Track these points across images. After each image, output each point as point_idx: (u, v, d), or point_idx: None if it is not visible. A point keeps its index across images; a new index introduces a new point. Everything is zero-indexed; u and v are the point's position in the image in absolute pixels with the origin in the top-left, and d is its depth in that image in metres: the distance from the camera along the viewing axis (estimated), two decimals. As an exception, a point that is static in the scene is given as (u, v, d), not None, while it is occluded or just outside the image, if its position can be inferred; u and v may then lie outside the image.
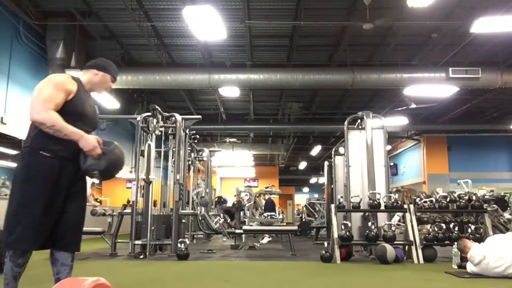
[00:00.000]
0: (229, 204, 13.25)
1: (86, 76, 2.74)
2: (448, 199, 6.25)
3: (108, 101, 9.41)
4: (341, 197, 6.82)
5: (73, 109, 2.47)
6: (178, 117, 6.88)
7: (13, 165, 8.35)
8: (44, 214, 2.36)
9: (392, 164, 18.70)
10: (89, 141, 2.42)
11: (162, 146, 7.39)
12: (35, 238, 2.40)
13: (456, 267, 4.93)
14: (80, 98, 2.53)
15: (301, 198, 30.27)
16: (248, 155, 18.16)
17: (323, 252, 5.61)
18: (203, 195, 9.99)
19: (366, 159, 6.42)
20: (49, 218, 2.40)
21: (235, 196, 12.21)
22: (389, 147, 16.50)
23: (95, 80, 2.76)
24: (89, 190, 6.84)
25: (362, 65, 10.05)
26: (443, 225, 5.91)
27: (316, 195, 28.91)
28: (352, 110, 8.17)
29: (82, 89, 2.60)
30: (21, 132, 7.88)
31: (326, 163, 10.33)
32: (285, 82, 9.23)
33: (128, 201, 7.49)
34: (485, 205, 6.18)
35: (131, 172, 11.19)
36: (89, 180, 6.65)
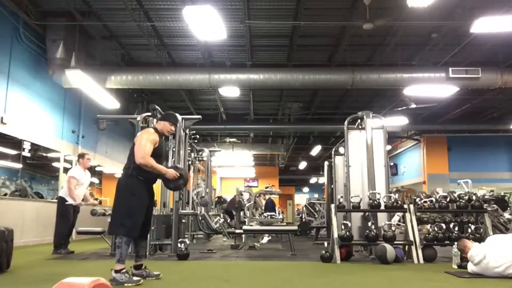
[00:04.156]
0: (232, 204, 13.20)
1: (159, 126, 4.23)
2: (448, 199, 6.24)
3: (108, 101, 9.41)
4: (341, 197, 6.82)
5: (157, 152, 4.02)
6: (178, 117, 6.87)
7: (13, 165, 8.35)
8: (142, 217, 3.91)
9: (392, 164, 18.69)
10: (170, 172, 4.05)
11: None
12: (137, 230, 3.88)
13: (456, 267, 4.92)
14: (160, 144, 4.07)
15: (301, 198, 30.28)
16: (248, 155, 18.16)
17: (323, 252, 5.60)
18: (203, 195, 9.98)
19: (366, 159, 6.41)
20: (143, 219, 3.94)
21: (235, 196, 12.20)
22: (389, 147, 16.49)
23: (161, 127, 4.22)
24: (87, 191, 6.86)
25: (362, 65, 10.05)
26: (443, 225, 5.90)
27: (316, 195, 28.88)
28: (352, 110, 8.15)
29: (159, 136, 4.10)
30: (21, 132, 7.89)
31: (326, 163, 10.33)
32: (285, 82, 9.22)
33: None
34: (485, 205, 6.18)
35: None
36: (87, 180, 6.65)
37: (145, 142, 3.92)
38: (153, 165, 3.90)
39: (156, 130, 4.13)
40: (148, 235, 5.87)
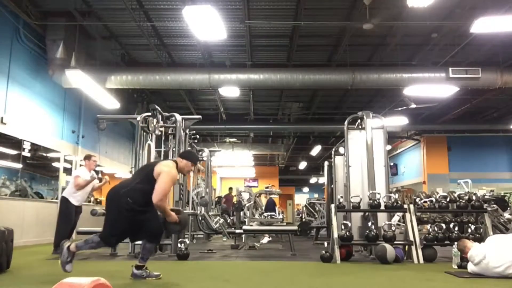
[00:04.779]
0: (228, 201, 13.19)
1: (180, 163, 4.09)
2: (448, 199, 6.24)
3: (108, 101, 9.40)
4: (341, 197, 6.82)
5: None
6: (178, 117, 6.88)
7: (13, 165, 8.35)
8: (119, 231, 3.93)
9: (392, 164, 18.69)
10: (172, 217, 3.91)
11: (162, 146, 7.38)
12: (113, 242, 4.22)
13: (456, 267, 4.92)
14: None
15: (301, 198, 30.27)
16: (248, 155, 18.16)
17: (323, 252, 5.61)
18: (203, 195, 9.98)
19: (366, 159, 6.42)
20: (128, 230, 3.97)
21: (235, 196, 12.21)
22: (389, 147, 16.49)
23: (182, 165, 4.12)
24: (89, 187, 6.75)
25: (362, 65, 10.04)
26: (443, 225, 5.90)
27: (316, 195, 28.87)
28: (352, 110, 8.16)
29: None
30: (21, 132, 7.89)
31: (326, 163, 10.33)
32: (285, 82, 9.22)
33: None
34: (485, 205, 6.17)
35: (130, 172, 11.19)
36: (86, 177, 6.59)
37: (169, 182, 3.82)
38: (165, 209, 3.84)
39: (176, 166, 4.01)
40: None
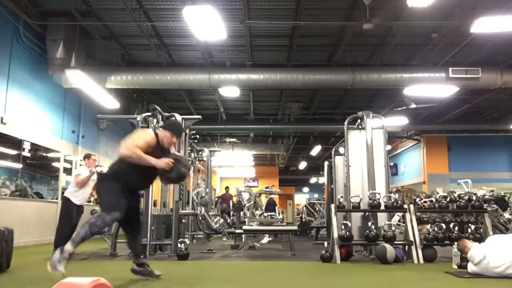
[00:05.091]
0: (224, 200, 13.18)
1: (160, 134, 3.77)
2: (448, 199, 6.24)
3: (108, 101, 9.41)
4: (341, 197, 6.82)
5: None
6: (178, 117, 6.87)
7: (13, 165, 8.34)
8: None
9: (392, 164, 18.69)
10: (161, 161, 3.58)
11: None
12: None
13: (456, 267, 4.92)
14: (155, 151, 3.64)
15: (301, 198, 30.26)
16: (248, 155, 18.16)
17: (323, 252, 5.61)
18: (203, 195, 9.98)
19: (366, 159, 6.42)
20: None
21: (235, 196, 12.20)
22: (389, 147, 16.49)
23: (161, 136, 3.76)
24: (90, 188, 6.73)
25: (362, 65, 10.05)
26: (443, 225, 5.90)
27: (316, 195, 28.88)
28: (352, 110, 8.15)
29: (157, 143, 3.70)
30: (21, 132, 7.89)
31: (326, 163, 10.33)
32: (285, 82, 9.23)
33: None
34: (485, 205, 6.18)
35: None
36: (91, 181, 6.58)
37: (138, 138, 3.61)
38: (139, 155, 3.51)
39: (157, 135, 3.74)
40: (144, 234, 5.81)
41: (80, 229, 3.49)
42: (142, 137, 3.64)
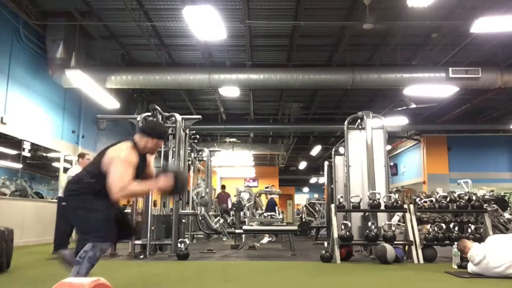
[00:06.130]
0: (221, 199, 13.14)
1: (141, 142, 3.08)
2: (448, 199, 6.24)
3: (108, 101, 9.40)
4: (341, 197, 6.82)
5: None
6: (178, 117, 6.88)
7: (13, 165, 8.34)
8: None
9: (392, 164, 18.68)
10: (160, 183, 3.00)
11: (162, 146, 7.37)
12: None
13: (456, 267, 4.92)
14: (137, 163, 3.00)
15: (301, 198, 30.25)
16: (248, 155, 18.15)
17: (323, 252, 5.61)
18: (203, 195, 9.98)
19: (366, 159, 6.41)
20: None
21: (235, 196, 12.18)
22: (389, 147, 16.49)
23: (143, 144, 3.09)
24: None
25: (362, 65, 10.04)
26: (443, 225, 5.90)
27: (316, 195, 28.87)
28: (352, 110, 8.16)
29: (138, 155, 3.03)
30: (21, 132, 7.89)
31: (326, 163, 10.33)
32: (285, 82, 9.22)
33: (128, 201, 7.47)
34: (485, 205, 6.18)
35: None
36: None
37: (124, 170, 2.85)
38: (136, 190, 3.01)
39: (135, 146, 3.02)
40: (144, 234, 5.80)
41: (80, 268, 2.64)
42: (126, 163, 2.89)
